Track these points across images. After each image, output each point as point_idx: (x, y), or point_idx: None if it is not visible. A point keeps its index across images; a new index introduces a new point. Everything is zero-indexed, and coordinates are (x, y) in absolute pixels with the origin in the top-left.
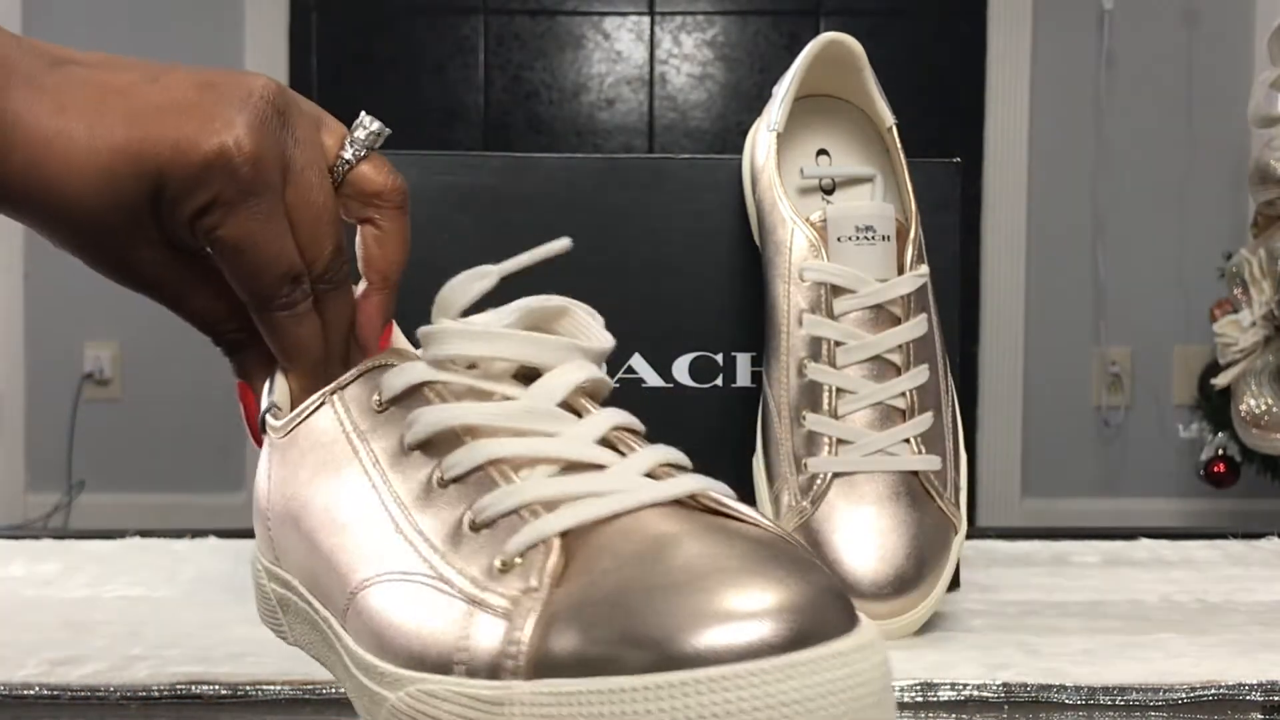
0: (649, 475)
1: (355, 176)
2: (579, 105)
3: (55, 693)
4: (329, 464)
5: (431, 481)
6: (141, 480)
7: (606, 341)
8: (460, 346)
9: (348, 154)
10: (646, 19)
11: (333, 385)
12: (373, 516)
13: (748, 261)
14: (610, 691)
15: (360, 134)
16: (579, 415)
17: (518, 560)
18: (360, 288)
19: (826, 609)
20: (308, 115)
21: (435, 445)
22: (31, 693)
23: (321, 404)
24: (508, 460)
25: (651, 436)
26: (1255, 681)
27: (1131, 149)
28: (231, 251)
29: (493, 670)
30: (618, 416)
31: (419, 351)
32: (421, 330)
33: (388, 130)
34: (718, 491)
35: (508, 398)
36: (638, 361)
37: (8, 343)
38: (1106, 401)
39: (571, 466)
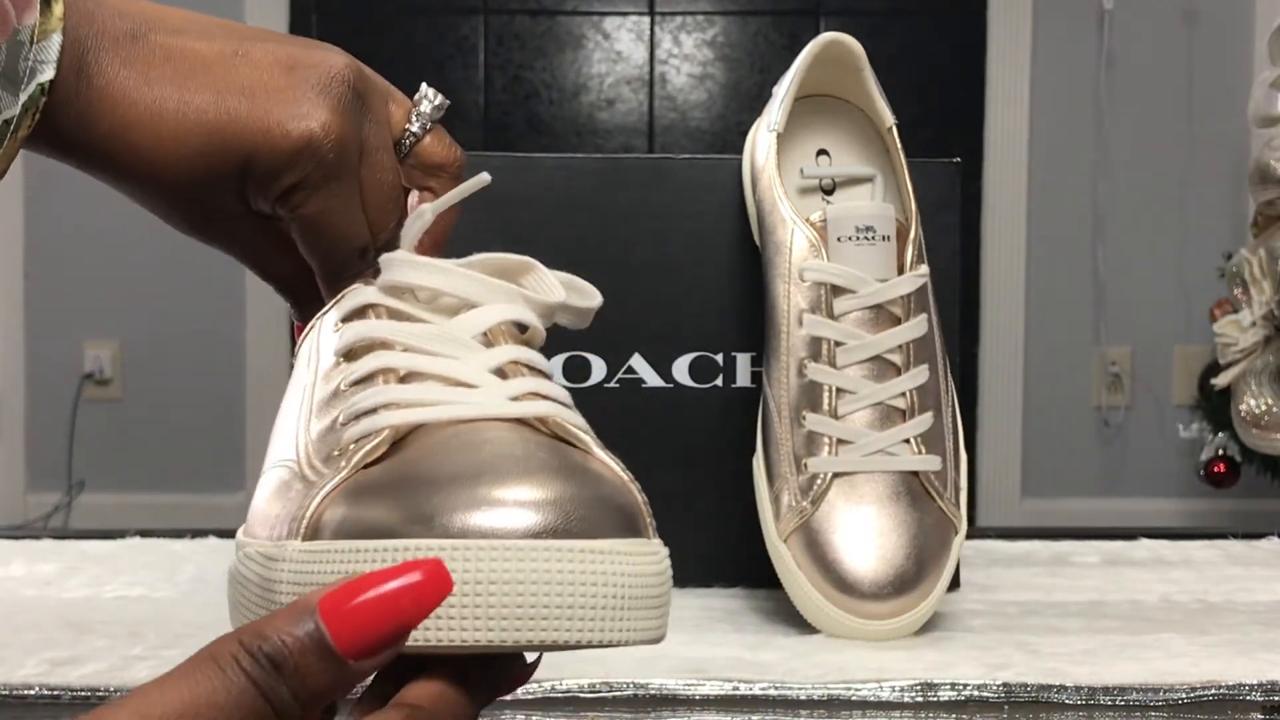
0: (515, 399)
1: (419, 149)
2: (579, 105)
3: (55, 693)
4: (295, 374)
5: (339, 386)
6: (141, 480)
7: (555, 296)
8: (406, 274)
9: (414, 127)
10: (646, 19)
11: (322, 310)
12: (293, 415)
13: (748, 261)
14: (356, 550)
15: (425, 107)
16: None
17: (351, 447)
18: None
19: (591, 512)
20: (380, 92)
21: (354, 355)
22: (31, 693)
23: (312, 327)
24: (398, 370)
25: (651, 436)
26: (1255, 681)
27: (1131, 149)
28: (311, 228)
29: (286, 534)
30: (521, 352)
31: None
32: (381, 257)
33: (448, 102)
34: (569, 421)
35: (433, 324)
36: (638, 361)
37: (8, 343)
38: (1106, 401)
39: (457, 384)
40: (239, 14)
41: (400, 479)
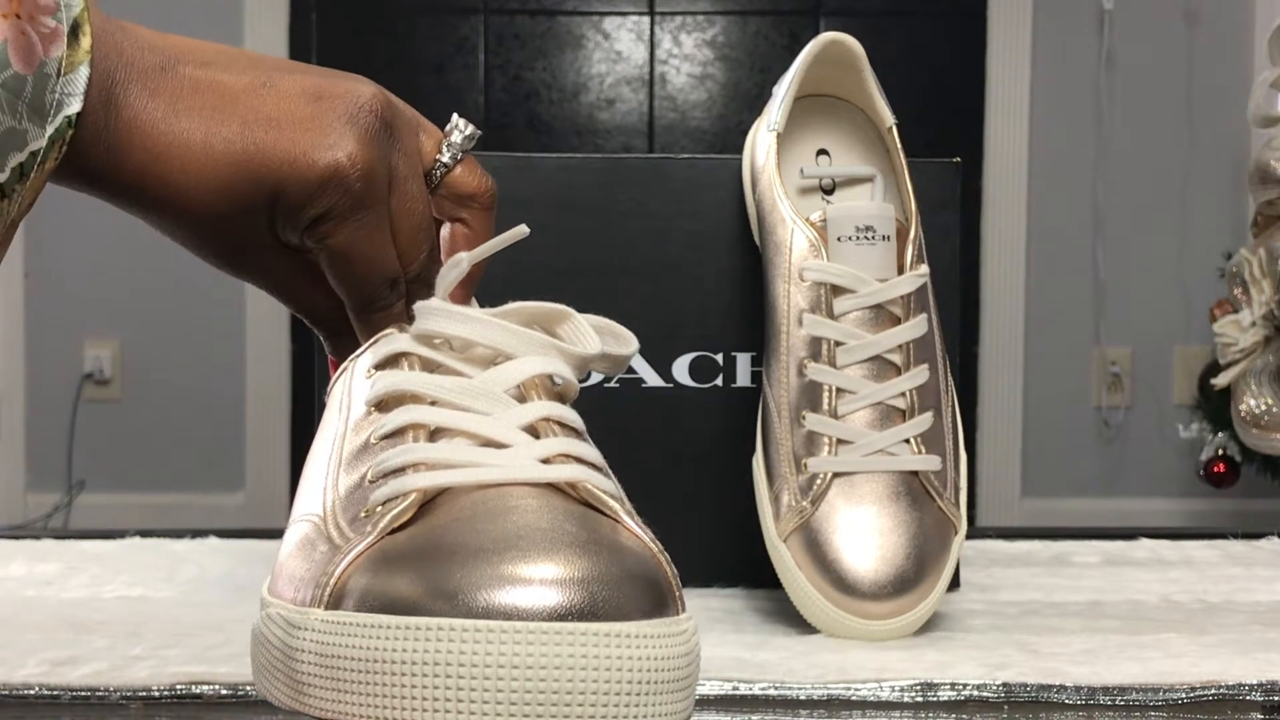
0: (545, 460)
1: (450, 179)
2: (579, 105)
3: (55, 693)
4: (325, 419)
5: (369, 439)
6: (141, 480)
7: (590, 348)
8: (440, 324)
9: (445, 157)
10: (646, 19)
11: (355, 353)
12: (322, 465)
13: (748, 261)
14: (378, 627)
15: (456, 138)
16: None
17: (378, 509)
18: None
19: (616, 593)
20: (408, 122)
21: (386, 406)
22: (31, 693)
23: (345, 370)
24: (428, 426)
25: (651, 436)
26: (1255, 681)
27: (1131, 149)
28: (340, 259)
29: (309, 599)
30: (554, 409)
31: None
32: (415, 305)
33: (479, 133)
34: (599, 487)
35: (466, 376)
36: (638, 361)
37: (8, 343)
38: (1106, 401)
39: (488, 443)
40: (238, 15)
41: (425, 549)
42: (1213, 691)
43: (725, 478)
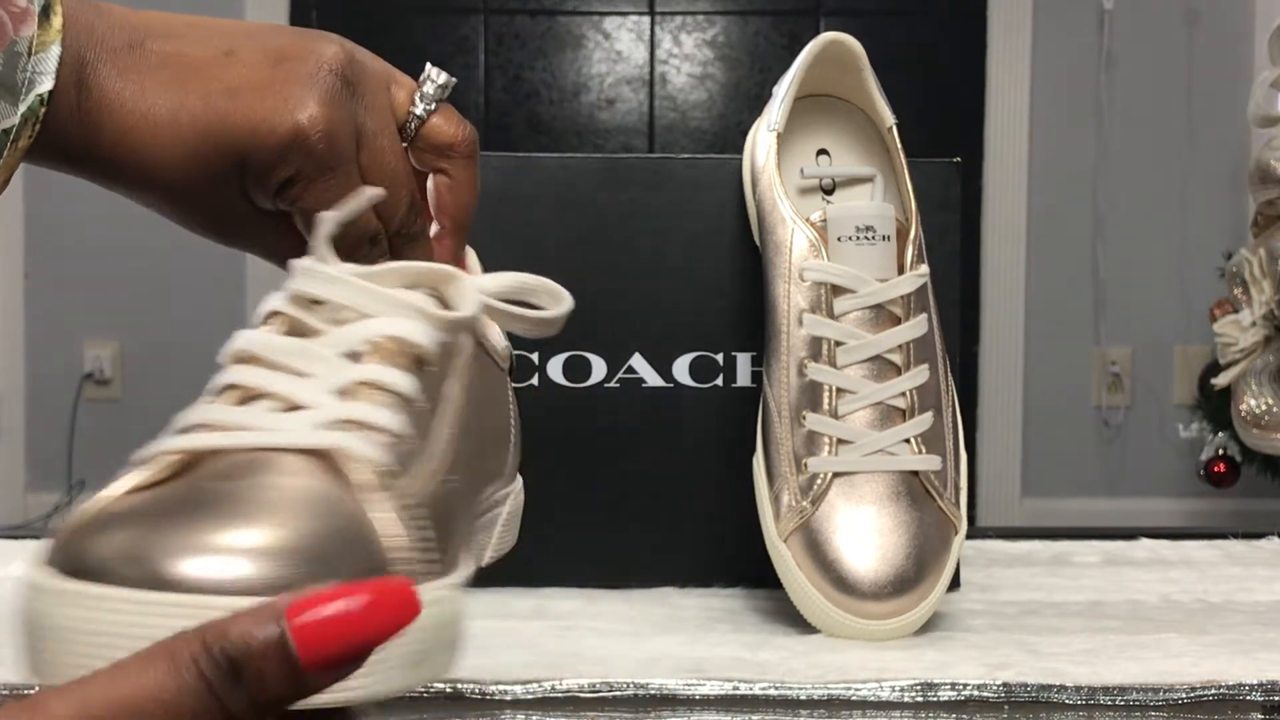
0: (327, 426)
1: (427, 129)
2: (579, 105)
3: None
4: None
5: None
6: None
7: (464, 310)
8: (304, 283)
9: (418, 109)
10: (646, 19)
11: None
12: None
13: (748, 261)
14: (59, 593)
15: (429, 88)
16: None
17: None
18: (433, 230)
19: (287, 569)
20: (377, 76)
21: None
22: (31, 693)
23: None
24: (240, 387)
25: (652, 436)
26: (1255, 681)
27: (1131, 149)
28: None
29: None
30: (377, 373)
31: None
32: (290, 263)
33: (454, 80)
34: (358, 456)
35: (315, 335)
36: (638, 361)
37: (8, 343)
38: (1106, 401)
39: (292, 407)
40: (239, 14)
41: (130, 517)
42: (1213, 691)
43: (725, 478)
